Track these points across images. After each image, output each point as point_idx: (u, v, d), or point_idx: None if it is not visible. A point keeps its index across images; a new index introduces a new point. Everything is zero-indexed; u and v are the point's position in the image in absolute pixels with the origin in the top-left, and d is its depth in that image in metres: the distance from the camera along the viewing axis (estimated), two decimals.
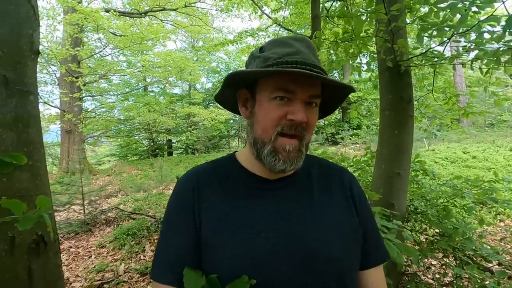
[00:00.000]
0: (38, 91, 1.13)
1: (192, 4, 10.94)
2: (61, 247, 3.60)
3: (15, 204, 0.64)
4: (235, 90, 0.72)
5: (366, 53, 2.48)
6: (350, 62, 2.28)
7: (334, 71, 19.90)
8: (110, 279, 2.98)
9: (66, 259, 3.56)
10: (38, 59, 1.10)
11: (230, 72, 0.62)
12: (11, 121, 0.92)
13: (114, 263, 3.39)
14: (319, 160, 0.80)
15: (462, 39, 1.69)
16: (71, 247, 3.94)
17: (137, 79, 14.39)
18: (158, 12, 10.92)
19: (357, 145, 12.72)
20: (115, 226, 4.64)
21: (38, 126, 1.05)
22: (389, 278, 1.45)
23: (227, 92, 0.72)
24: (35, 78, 1.06)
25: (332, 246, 0.63)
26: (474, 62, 1.54)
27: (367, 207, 0.76)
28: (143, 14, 10.70)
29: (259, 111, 0.65)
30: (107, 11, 9.38)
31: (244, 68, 0.71)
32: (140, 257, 3.50)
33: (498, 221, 3.84)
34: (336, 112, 18.50)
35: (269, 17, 6.64)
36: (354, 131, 14.64)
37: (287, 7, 6.93)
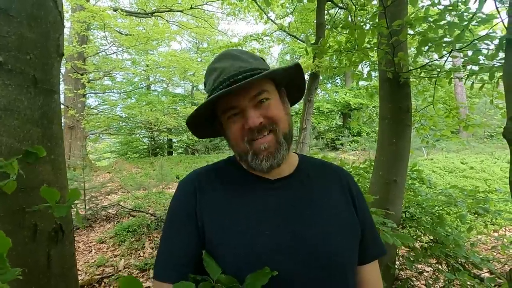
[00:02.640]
0: None
1: (199, 6, 11.06)
2: None
3: (51, 192, 0.70)
4: (204, 122, 0.77)
5: (367, 62, 2.56)
6: (352, 70, 2.36)
7: (336, 77, 20.05)
8: (110, 274, 3.04)
9: None
10: None
11: (186, 121, 0.72)
12: (38, 118, 0.98)
13: (114, 258, 3.44)
14: (315, 160, 0.84)
15: (461, 54, 1.77)
16: None
17: (141, 78, 14.50)
18: (164, 12, 11.03)
19: (357, 152, 12.81)
20: (116, 222, 4.69)
21: (60, 123, 1.13)
22: (383, 282, 1.52)
23: (199, 126, 0.78)
24: (59, 78, 1.14)
25: (334, 241, 0.66)
26: (469, 77, 1.62)
27: (364, 204, 0.79)
28: (149, 14, 10.81)
29: (225, 132, 0.72)
30: (114, 10, 9.49)
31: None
32: (139, 254, 3.55)
33: (492, 231, 3.91)
34: (337, 117, 18.63)
35: (275, 23, 6.75)
36: (354, 137, 14.73)
37: (292, 14, 7.04)
